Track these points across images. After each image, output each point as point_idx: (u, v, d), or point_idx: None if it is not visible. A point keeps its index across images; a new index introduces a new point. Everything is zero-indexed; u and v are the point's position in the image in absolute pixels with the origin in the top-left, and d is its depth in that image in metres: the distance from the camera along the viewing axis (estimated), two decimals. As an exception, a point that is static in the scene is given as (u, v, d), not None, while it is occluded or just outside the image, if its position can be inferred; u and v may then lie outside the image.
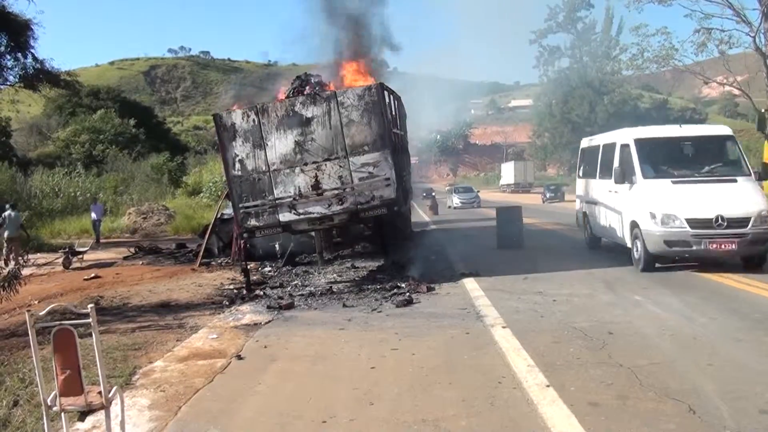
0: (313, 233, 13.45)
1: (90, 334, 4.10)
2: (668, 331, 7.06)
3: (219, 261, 15.53)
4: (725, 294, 9.03)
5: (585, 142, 15.70)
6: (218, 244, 16.44)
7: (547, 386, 5.30)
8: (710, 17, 33.81)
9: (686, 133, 12.19)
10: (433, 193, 48.01)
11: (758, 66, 33.02)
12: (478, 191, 48.96)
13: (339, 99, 11.04)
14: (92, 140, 50.87)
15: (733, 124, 51.70)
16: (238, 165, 11.16)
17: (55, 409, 4.05)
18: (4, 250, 16.50)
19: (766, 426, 4.42)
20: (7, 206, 18.11)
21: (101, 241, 23.19)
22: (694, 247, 10.36)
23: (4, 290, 8.08)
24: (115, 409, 4.41)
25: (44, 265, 17.09)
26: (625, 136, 12.25)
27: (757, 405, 4.77)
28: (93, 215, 23.56)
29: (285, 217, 11.21)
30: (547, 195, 49.18)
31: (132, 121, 56.07)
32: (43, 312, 4.15)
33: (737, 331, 6.95)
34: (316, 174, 11.07)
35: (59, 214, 28.54)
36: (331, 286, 11.34)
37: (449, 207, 42.60)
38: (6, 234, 17.31)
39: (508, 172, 78.17)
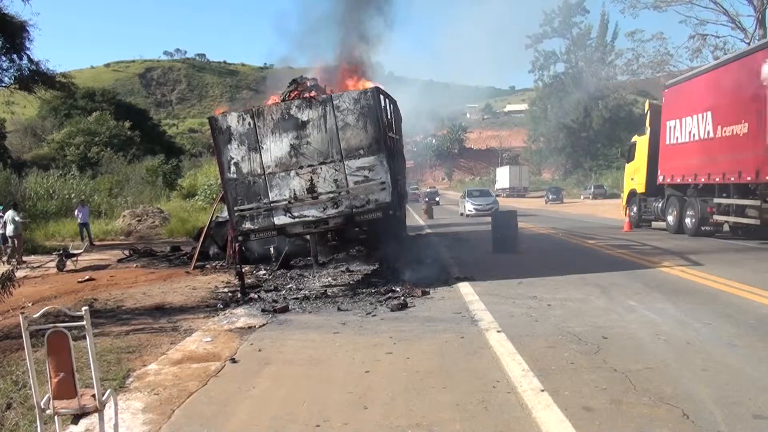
0: (308, 236, 13.44)
1: (84, 337, 4.09)
2: (662, 336, 7.07)
3: (213, 264, 15.50)
4: (720, 299, 9.06)
5: None
6: (213, 248, 16.42)
7: (542, 391, 5.30)
8: (705, 23, 34.11)
9: None
10: (437, 197, 48.04)
11: (752, 72, 33.09)
12: (497, 195, 43.13)
13: (335, 102, 11.05)
14: (87, 142, 50.88)
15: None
16: (233, 168, 11.16)
17: (48, 412, 4.04)
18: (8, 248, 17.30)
19: (759, 431, 4.44)
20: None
21: (95, 243, 23.12)
22: None
23: (-3, 292, 8.06)
24: (108, 412, 4.40)
25: (38, 267, 17.05)
26: None
27: (751, 410, 4.78)
28: (79, 218, 23.42)
29: (280, 220, 11.21)
30: (550, 197, 55.66)
31: (127, 124, 56.14)
32: (37, 314, 4.13)
33: (731, 336, 6.97)
34: (311, 177, 11.08)
35: (53, 216, 28.48)
36: (325, 290, 11.34)
37: (462, 215, 35.18)
38: (9, 231, 17.86)
39: (503, 176, 78.61)
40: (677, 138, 19.10)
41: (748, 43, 31.88)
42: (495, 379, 5.75)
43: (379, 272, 12.92)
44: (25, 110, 42.02)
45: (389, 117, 13.49)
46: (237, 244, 12.14)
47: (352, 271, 13.67)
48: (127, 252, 19.06)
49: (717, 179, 16.82)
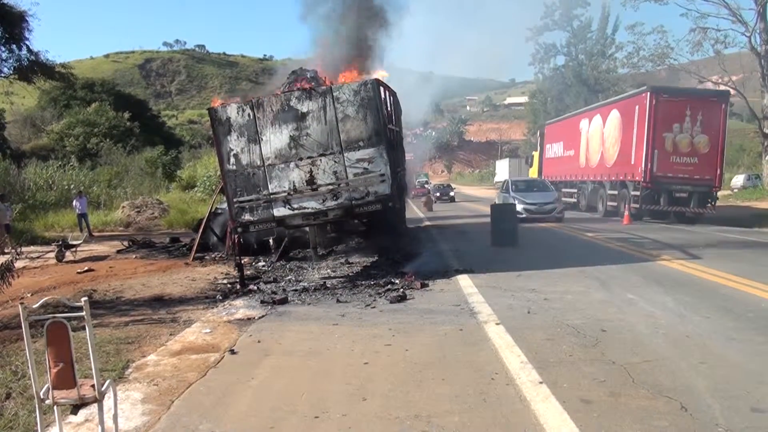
0: (307, 228, 13.44)
1: (83, 328, 4.09)
2: (661, 329, 7.08)
3: (213, 255, 15.50)
4: (719, 293, 9.07)
5: None
6: (212, 239, 16.41)
7: (540, 383, 5.32)
8: (706, 16, 34.10)
9: None
10: (452, 192, 47.47)
11: (753, 66, 33.20)
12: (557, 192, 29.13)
13: (335, 94, 11.02)
14: (86, 133, 50.69)
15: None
16: (232, 159, 11.14)
17: (47, 402, 4.05)
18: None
19: (757, 424, 4.45)
20: None
21: (94, 234, 23.10)
22: None
23: (-4, 282, 8.06)
24: (107, 402, 4.41)
25: (37, 257, 17.03)
26: None
27: (749, 403, 4.79)
28: (77, 209, 23.37)
29: (279, 212, 11.21)
30: None
31: (126, 115, 55.88)
32: (37, 305, 4.13)
33: (730, 329, 6.98)
34: (310, 169, 11.07)
35: (53, 207, 28.42)
36: (324, 282, 11.33)
37: None
38: None
39: (502, 169, 78.42)
40: (549, 155, 34.18)
41: (749, 37, 31.83)
42: (494, 372, 5.76)
43: (379, 264, 12.93)
44: (24, 101, 41.87)
45: (389, 109, 13.47)
46: (236, 236, 12.13)
47: (352, 263, 13.67)
48: (126, 243, 19.04)
49: (564, 179, 30.94)
